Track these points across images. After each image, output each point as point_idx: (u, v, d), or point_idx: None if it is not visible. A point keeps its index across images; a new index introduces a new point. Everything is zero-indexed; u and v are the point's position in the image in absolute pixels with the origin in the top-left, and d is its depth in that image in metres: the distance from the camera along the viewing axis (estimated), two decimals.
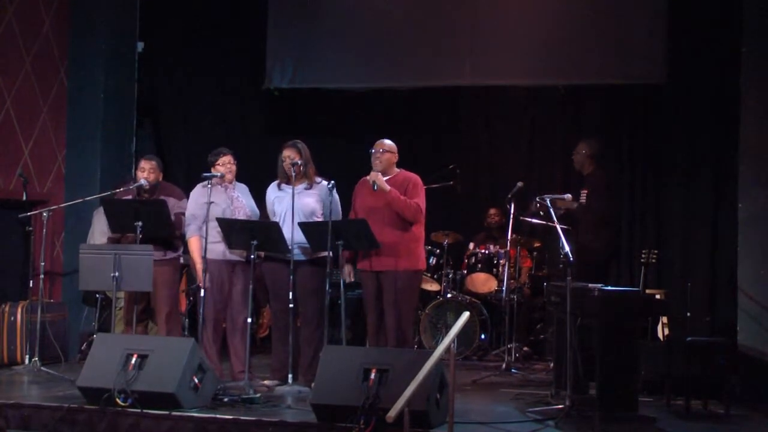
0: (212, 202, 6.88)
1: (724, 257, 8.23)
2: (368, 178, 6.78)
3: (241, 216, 6.96)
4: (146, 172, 7.18)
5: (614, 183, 8.61)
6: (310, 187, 6.87)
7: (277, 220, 6.84)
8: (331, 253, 6.58)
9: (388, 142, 6.92)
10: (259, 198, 7.35)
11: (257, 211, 7.16)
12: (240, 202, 7.05)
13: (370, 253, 6.73)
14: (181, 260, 7.53)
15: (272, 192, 6.99)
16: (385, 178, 6.83)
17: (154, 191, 7.22)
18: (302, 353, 6.79)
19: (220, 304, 6.96)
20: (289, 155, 6.86)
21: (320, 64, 9.06)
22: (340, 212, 6.89)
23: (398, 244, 6.69)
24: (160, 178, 7.29)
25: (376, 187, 6.72)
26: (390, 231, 6.69)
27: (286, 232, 6.68)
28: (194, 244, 6.94)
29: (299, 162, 6.81)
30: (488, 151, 9.82)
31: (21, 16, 8.51)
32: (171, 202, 7.16)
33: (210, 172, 6.94)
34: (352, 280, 7.02)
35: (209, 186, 6.84)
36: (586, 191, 8.11)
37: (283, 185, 6.90)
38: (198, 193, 7.00)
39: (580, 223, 8.05)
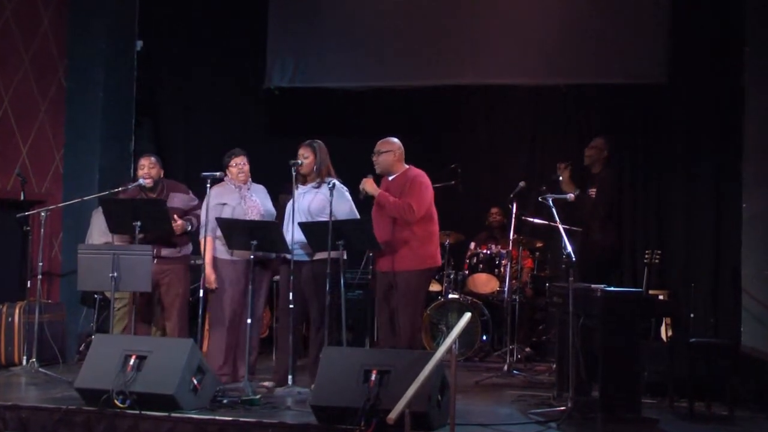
0: (224, 204, 6.87)
1: (728, 257, 8.22)
2: (360, 185, 6.78)
3: (253, 216, 6.92)
4: (146, 169, 7.17)
5: (621, 185, 8.59)
6: (318, 186, 6.84)
7: (291, 218, 6.82)
8: (333, 254, 6.58)
9: (388, 140, 6.89)
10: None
11: (273, 212, 7.13)
12: (253, 202, 7.01)
13: (382, 254, 6.72)
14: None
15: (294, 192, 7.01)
16: (391, 178, 6.82)
17: (157, 188, 7.20)
18: (309, 354, 6.80)
19: (237, 303, 6.93)
20: (303, 154, 6.85)
21: (321, 62, 9.05)
22: (355, 211, 6.87)
23: (402, 244, 6.67)
24: (162, 174, 7.27)
25: (361, 196, 6.72)
26: (394, 231, 6.67)
27: (291, 231, 6.67)
28: (206, 246, 6.92)
29: (300, 162, 6.80)
30: (490, 151, 9.82)
31: (19, 14, 8.50)
32: (180, 198, 7.15)
33: (220, 171, 6.94)
34: None
35: (208, 186, 6.82)
36: (594, 190, 8.06)
37: (298, 184, 6.89)
38: (212, 194, 6.96)
39: (585, 219, 8.02)
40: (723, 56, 8.21)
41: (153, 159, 7.25)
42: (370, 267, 7.02)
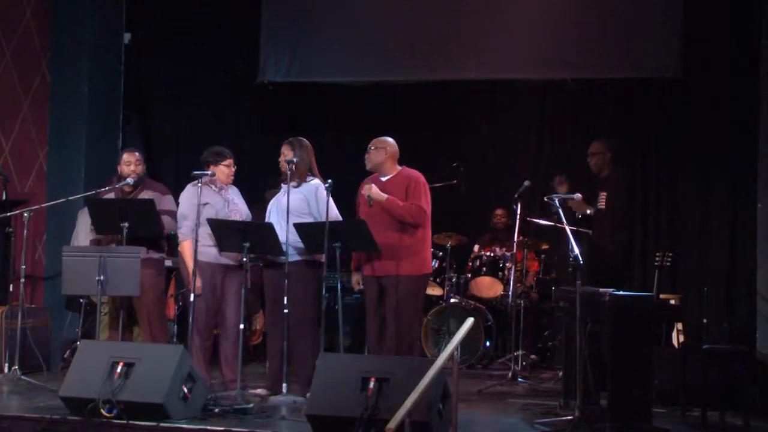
0: (206, 203, 6.87)
1: (743, 260, 8.23)
2: (363, 192, 6.78)
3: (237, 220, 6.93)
4: (133, 165, 7.16)
5: (635, 183, 8.60)
6: (298, 185, 6.86)
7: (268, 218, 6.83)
8: (328, 255, 6.60)
9: (381, 138, 6.92)
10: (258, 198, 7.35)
11: (250, 214, 7.15)
12: (236, 206, 7.02)
13: (373, 257, 6.73)
14: (169, 263, 7.52)
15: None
16: (384, 178, 6.84)
17: (138, 186, 7.20)
18: (297, 361, 6.79)
19: (212, 309, 6.95)
20: (283, 151, 6.88)
21: (317, 56, 9.04)
22: (337, 212, 6.88)
23: (401, 248, 6.69)
24: (144, 170, 7.27)
25: (371, 203, 6.73)
26: (392, 234, 6.70)
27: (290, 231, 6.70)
28: (187, 248, 6.90)
29: (296, 160, 6.81)
30: (494, 149, 9.82)
31: (0, 6, 8.49)
32: (155, 198, 7.14)
33: (202, 170, 6.93)
34: (361, 287, 6.99)
35: (199, 185, 6.82)
36: (605, 193, 8.06)
37: (282, 183, 6.90)
38: (190, 193, 6.96)
39: (596, 226, 8.02)
40: (739, 50, 8.21)
41: (137, 155, 7.25)
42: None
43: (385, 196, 6.73)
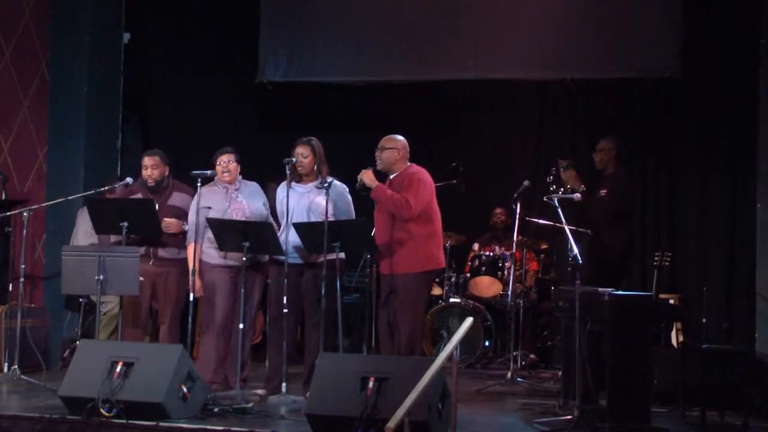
0: (209, 207, 6.86)
1: (742, 260, 8.24)
2: (359, 175, 6.81)
3: (238, 218, 6.90)
4: (149, 169, 7.14)
5: (636, 183, 8.61)
6: (322, 186, 6.86)
7: (285, 219, 6.82)
8: (329, 256, 6.60)
9: (393, 137, 6.92)
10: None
11: (264, 212, 7.07)
12: (239, 204, 6.98)
13: (382, 256, 6.74)
14: None
15: (281, 191, 6.97)
16: (392, 176, 6.86)
17: (160, 188, 7.18)
18: (306, 362, 6.82)
19: (223, 310, 6.91)
20: (301, 152, 6.86)
21: (316, 56, 9.05)
22: (352, 212, 6.90)
23: (400, 245, 6.69)
24: (167, 173, 7.24)
25: (358, 186, 6.74)
26: (393, 231, 6.70)
27: (286, 232, 6.69)
28: (190, 251, 6.92)
29: (294, 160, 6.81)
30: (493, 149, 9.82)
31: None
32: (183, 198, 7.14)
33: (212, 170, 6.93)
34: None
35: (199, 186, 6.82)
36: (605, 190, 8.08)
37: (293, 184, 6.87)
38: (195, 198, 6.96)
39: (595, 221, 8.03)
40: (738, 50, 8.22)
41: (156, 158, 7.19)
42: (368, 270, 7.04)
43: (377, 183, 6.74)
